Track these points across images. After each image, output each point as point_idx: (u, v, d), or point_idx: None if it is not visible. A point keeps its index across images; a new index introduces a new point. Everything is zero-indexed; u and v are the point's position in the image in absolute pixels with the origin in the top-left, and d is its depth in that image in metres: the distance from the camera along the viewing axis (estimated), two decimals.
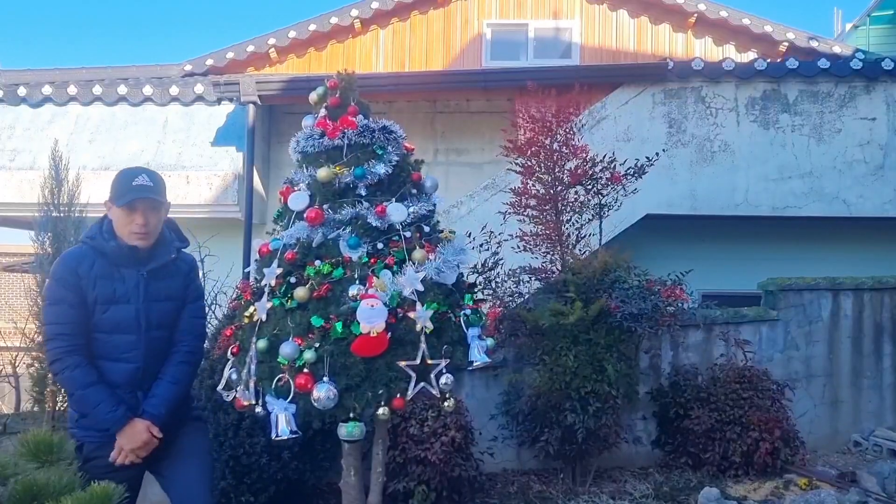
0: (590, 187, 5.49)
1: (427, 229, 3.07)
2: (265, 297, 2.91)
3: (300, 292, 2.82)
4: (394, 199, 3.00)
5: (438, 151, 8.82)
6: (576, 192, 5.51)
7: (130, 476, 2.78)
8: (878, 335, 6.20)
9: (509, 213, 5.46)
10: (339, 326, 2.74)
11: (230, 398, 3.05)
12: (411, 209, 3.01)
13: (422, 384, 2.79)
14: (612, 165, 5.50)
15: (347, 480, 3.23)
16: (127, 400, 2.81)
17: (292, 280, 2.88)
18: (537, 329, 5.02)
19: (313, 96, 3.25)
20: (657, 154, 5.93)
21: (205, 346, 3.17)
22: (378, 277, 2.82)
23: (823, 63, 7.57)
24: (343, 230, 2.92)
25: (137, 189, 2.80)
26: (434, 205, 3.19)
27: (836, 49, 9.69)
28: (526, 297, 5.41)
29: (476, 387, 5.54)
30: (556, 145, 5.40)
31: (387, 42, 10.07)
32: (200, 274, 3.44)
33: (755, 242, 8.06)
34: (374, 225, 2.93)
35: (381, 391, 2.76)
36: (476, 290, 3.39)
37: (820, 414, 6.07)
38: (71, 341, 2.75)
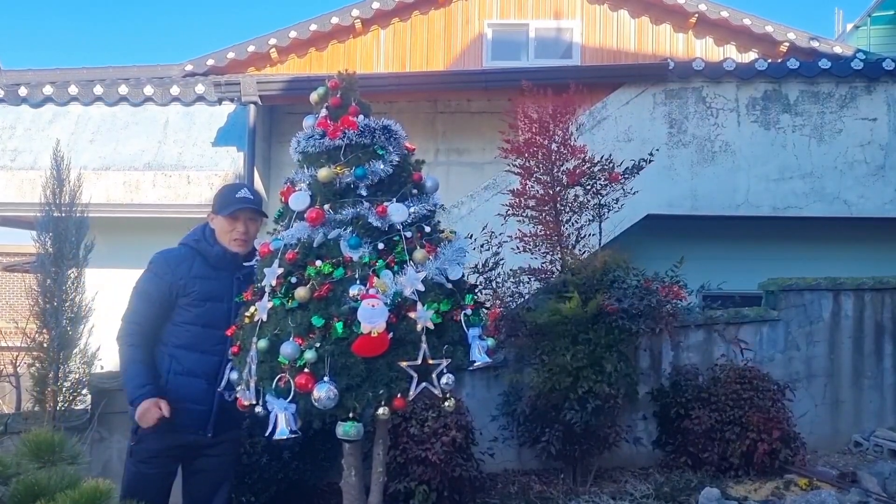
0: (589, 187, 5.49)
1: (428, 229, 3.07)
2: (266, 297, 2.91)
3: (301, 292, 2.82)
4: (395, 200, 3.00)
5: (439, 151, 8.83)
6: (575, 193, 5.50)
7: (170, 462, 3.23)
8: (879, 335, 6.20)
9: (509, 214, 5.46)
10: (339, 326, 2.74)
11: (231, 398, 3.06)
12: (412, 209, 3.01)
13: (423, 384, 2.79)
14: (610, 165, 5.50)
15: (348, 480, 3.24)
16: (205, 393, 3.15)
17: (293, 280, 2.89)
18: (537, 329, 5.02)
19: (314, 96, 3.25)
20: (651, 154, 5.90)
21: None
22: (379, 277, 2.82)
23: (824, 63, 7.56)
24: (344, 230, 2.93)
25: (240, 200, 3.24)
26: (435, 205, 3.19)
27: (837, 49, 9.69)
28: (526, 297, 5.41)
29: (477, 387, 5.54)
30: (554, 146, 5.40)
31: (388, 42, 10.07)
32: None
33: (756, 243, 8.06)
34: (374, 225, 2.93)
35: (381, 391, 2.77)
36: (477, 291, 3.39)
37: (821, 414, 6.06)
38: (139, 327, 3.16)
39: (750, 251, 7.99)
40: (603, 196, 5.53)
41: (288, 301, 2.85)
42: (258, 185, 8.33)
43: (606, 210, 5.58)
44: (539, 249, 5.42)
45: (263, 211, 3.33)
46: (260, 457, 4.34)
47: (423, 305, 2.80)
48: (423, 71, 9.74)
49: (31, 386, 5.74)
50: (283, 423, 2.75)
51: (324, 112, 3.18)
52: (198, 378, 3.15)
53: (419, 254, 2.89)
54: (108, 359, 5.46)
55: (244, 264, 3.23)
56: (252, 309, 2.96)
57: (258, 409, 2.87)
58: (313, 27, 9.70)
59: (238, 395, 2.96)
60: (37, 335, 5.68)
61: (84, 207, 6.00)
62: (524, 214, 5.43)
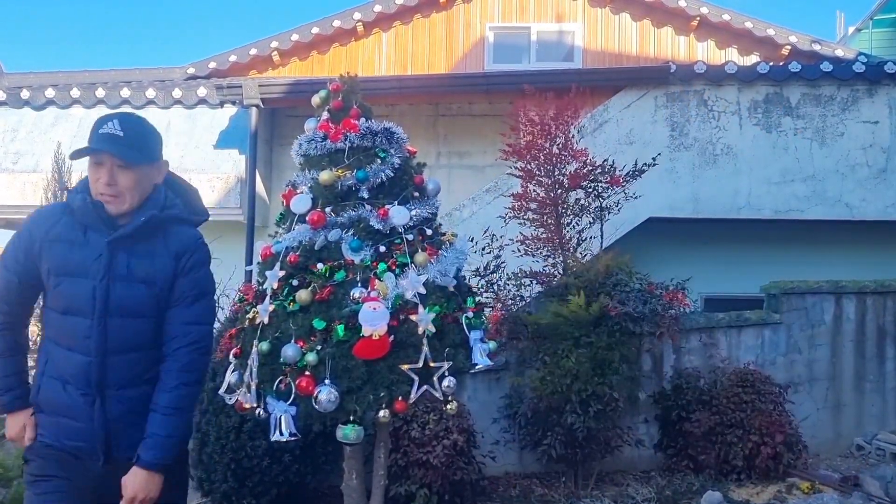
0: (590, 190, 5.49)
1: (429, 232, 3.08)
2: (267, 300, 2.91)
3: (302, 295, 2.82)
4: (396, 202, 3.00)
5: (441, 154, 8.82)
6: (576, 196, 5.50)
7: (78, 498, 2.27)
8: (881, 338, 6.19)
9: (510, 217, 5.46)
10: (341, 329, 2.74)
11: (232, 401, 3.05)
12: (413, 212, 3.02)
13: (424, 387, 2.79)
14: (612, 169, 5.50)
15: (349, 483, 3.23)
16: (81, 405, 2.21)
17: (294, 283, 2.89)
18: (538, 331, 5.01)
19: (316, 99, 3.26)
20: (653, 159, 5.91)
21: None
22: (380, 280, 2.82)
23: (826, 66, 7.55)
24: (345, 233, 2.93)
25: (101, 139, 2.18)
26: (436, 208, 3.20)
27: (839, 52, 9.68)
28: (528, 300, 5.41)
29: (478, 390, 5.54)
30: (555, 149, 5.40)
31: (389, 45, 10.08)
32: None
33: (758, 246, 8.05)
34: (376, 228, 2.93)
35: (382, 394, 2.77)
36: (477, 294, 3.40)
37: (822, 417, 6.05)
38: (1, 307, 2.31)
39: (752, 254, 7.97)
40: (604, 199, 5.53)
41: (289, 304, 2.85)
42: (260, 187, 8.34)
43: (608, 213, 5.58)
44: (541, 252, 5.42)
45: (133, 157, 2.21)
46: (260, 460, 4.34)
47: (425, 308, 2.80)
48: (425, 74, 9.74)
49: None
50: (283, 426, 2.75)
51: (325, 115, 3.18)
52: (68, 384, 2.22)
53: (420, 256, 2.89)
54: None
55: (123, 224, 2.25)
56: (253, 311, 2.96)
57: (260, 411, 2.87)
58: (315, 30, 9.71)
59: (239, 399, 2.96)
60: (37, 337, 5.70)
61: None
62: (525, 217, 5.43)
